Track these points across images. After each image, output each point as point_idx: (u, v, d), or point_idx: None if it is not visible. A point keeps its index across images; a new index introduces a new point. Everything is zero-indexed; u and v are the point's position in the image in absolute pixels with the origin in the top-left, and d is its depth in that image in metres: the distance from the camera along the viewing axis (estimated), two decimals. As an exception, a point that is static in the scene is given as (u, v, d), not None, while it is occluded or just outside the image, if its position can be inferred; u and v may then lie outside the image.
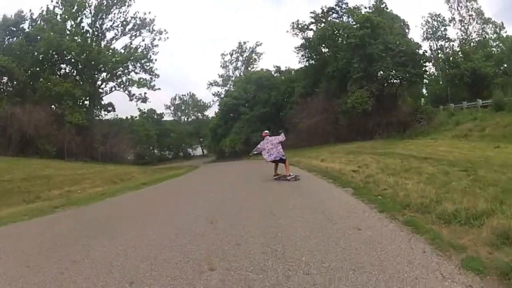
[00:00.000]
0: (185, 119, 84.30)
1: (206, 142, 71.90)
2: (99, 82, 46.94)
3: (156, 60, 49.91)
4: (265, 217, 6.62)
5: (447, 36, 52.04)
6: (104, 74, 46.47)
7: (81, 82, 42.43)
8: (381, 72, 35.11)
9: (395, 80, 35.93)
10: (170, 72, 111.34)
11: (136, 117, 58.58)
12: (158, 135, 69.97)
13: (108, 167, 29.03)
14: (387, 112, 33.94)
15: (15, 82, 37.92)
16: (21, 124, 31.71)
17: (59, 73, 41.38)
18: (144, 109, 61.54)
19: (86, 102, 44.34)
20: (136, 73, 48.42)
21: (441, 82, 49.71)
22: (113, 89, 48.00)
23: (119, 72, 46.89)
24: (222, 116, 54.52)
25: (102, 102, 47.54)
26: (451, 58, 45.61)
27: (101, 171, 24.63)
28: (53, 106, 38.85)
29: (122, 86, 47.86)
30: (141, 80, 47.83)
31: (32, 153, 31.81)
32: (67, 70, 43.12)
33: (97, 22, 45.25)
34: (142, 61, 47.82)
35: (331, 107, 36.89)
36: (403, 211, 6.21)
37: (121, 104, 76.43)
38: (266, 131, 14.64)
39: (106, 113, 48.12)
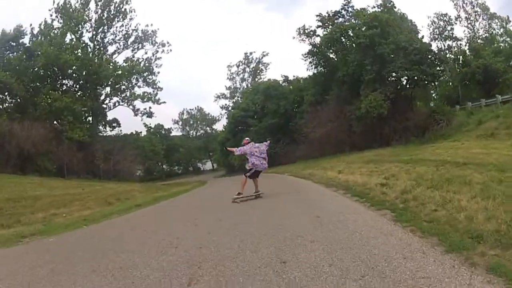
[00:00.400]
0: (194, 133, 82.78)
1: (215, 156, 70.23)
2: (102, 97, 45.19)
3: (159, 73, 48.29)
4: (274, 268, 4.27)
5: (454, 36, 49.49)
6: (108, 89, 44.70)
7: (83, 97, 40.72)
8: (395, 74, 32.86)
9: (409, 81, 33.58)
10: (177, 86, 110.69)
11: (140, 132, 55.49)
12: (167, 150, 68.54)
13: (108, 185, 26.88)
14: (403, 116, 31.59)
15: (17, 98, 36.18)
16: (19, 141, 29.86)
17: (61, 89, 39.43)
18: (150, 124, 59.19)
19: (89, 118, 42.69)
20: (139, 87, 46.71)
21: (450, 83, 47.28)
22: (117, 104, 46.09)
23: (123, 87, 45.10)
24: (230, 129, 52.68)
25: (107, 118, 45.71)
26: (461, 57, 43.76)
27: (98, 190, 22.53)
28: (55, 122, 36.90)
29: (126, 101, 45.98)
30: (145, 94, 46.03)
31: (31, 171, 30.02)
32: (68, 85, 41.37)
33: (98, 36, 43.62)
34: (145, 74, 45.94)
35: (343, 114, 34.52)
36: (477, 247, 4.12)
37: (127, 120, 75.21)
38: (247, 138, 13.17)
39: (111, 129, 46.41)
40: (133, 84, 46.11)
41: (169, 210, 13.61)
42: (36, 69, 37.49)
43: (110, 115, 46.34)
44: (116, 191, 22.20)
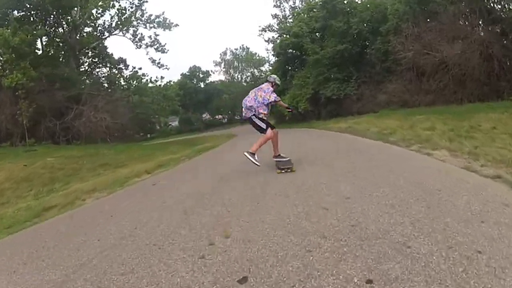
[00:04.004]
0: (239, 77, 66.03)
1: (260, 102, 53.73)
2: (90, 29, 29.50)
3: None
4: None
5: None
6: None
7: (60, 30, 26.36)
8: None
9: None
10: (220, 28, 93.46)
11: (140, 69, 33.82)
12: (206, 96, 53.87)
13: None
14: None
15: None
16: None
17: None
18: (160, 59, 41.83)
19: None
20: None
21: None
22: (104, 32, 29.92)
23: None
24: (279, 66, 35.36)
25: (111, 57, 30.58)
26: None
27: None
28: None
29: (120, 27, 29.66)
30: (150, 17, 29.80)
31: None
32: (34, 20, 25.64)
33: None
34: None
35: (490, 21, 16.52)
36: None
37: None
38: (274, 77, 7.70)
39: (115, 71, 31.08)
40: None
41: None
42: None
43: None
44: None
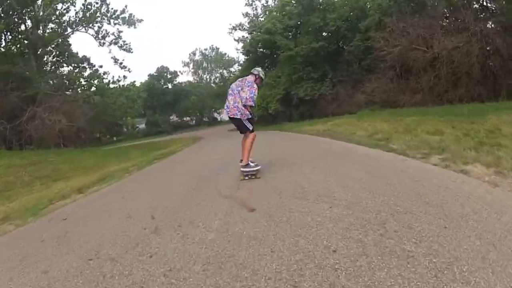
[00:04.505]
0: (208, 78, 63.06)
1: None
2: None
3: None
4: None
5: None
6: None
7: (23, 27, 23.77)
8: None
9: None
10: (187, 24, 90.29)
11: (100, 67, 30.65)
12: (174, 98, 51.16)
13: None
14: None
15: None
16: None
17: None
18: (122, 60, 38.51)
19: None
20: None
21: None
22: (67, 28, 26.75)
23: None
24: (249, 65, 32.60)
25: (78, 56, 27.71)
26: None
27: None
28: None
29: (85, 24, 26.60)
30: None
31: None
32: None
33: None
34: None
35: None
36: None
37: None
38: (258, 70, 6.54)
39: (76, 71, 27.75)
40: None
41: None
42: None
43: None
44: None
